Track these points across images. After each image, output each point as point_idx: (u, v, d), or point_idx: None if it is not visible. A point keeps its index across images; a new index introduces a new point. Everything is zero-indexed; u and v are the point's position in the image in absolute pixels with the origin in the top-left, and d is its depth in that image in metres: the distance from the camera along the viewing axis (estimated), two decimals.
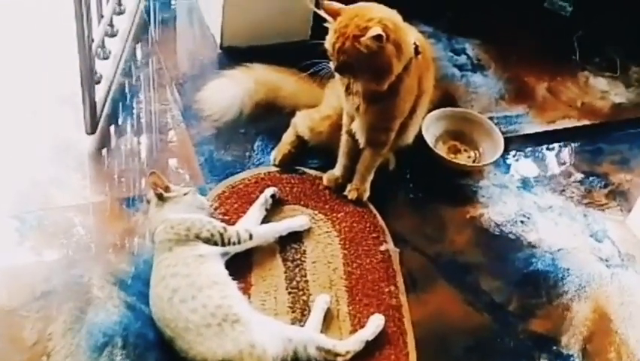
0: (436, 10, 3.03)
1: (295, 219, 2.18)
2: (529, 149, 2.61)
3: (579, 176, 2.54)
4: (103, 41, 2.51)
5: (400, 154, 2.40)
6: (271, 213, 2.20)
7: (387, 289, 2.08)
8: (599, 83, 2.92)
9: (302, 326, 1.94)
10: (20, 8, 2.78)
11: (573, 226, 2.37)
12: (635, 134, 2.73)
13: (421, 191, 2.39)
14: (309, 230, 2.19)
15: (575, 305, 2.14)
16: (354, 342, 1.90)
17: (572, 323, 2.10)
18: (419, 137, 2.40)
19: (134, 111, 2.50)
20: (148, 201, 2.07)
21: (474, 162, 2.50)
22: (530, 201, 2.42)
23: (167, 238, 1.94)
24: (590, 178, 2.54)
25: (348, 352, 1.87)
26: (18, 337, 1.86)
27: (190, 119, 2.47)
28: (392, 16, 1.98)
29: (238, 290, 1.91)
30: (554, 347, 2.05)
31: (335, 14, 1.96)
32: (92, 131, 2.37)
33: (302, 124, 2.36)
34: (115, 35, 2.62)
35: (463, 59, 2.91)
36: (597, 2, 3.20)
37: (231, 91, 2.41)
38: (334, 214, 2.25)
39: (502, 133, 2.52)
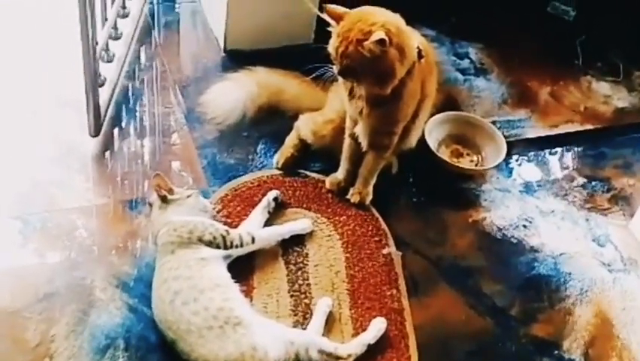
0: (439, 14, 3.03)
1: (298, 223, 2.19)
2: (532, 153, 2.61)
3: (582, 180, 2.54)
4: (107, 44, 2.51)
5: (402, 158, 2.40)
6: (274, 216, 2.20)
7: (389, 293, 2.08)
8: (602, 87, 2.92)
9: (304, 329, 1.94)
10: (24, 11, 2.79)
11: (575, 231, 2.37)
12: (638, 138, 2.73)
13: (423, 195, 2.39)
14: (311, 233, 2.19)
15: (577, 310, 2.14)
16: (355, 345, 1.90)
17: (574, 327, 2.10)
18: (422, 141, 2.40)
19: (138, 114, 2.51)
20: (150, 204, 2.07)
21: (476, 165, 2.50)
22: (533, 206, 2.42)
23: (169, 241, 1.95)
24: (593, 183, 2.54)
25: (349, 355, 1.87)
26: (21, 338, 1.86)
27: (193, 122, 2.47)
28: (395, 20, 1.98)
29: (240, 293, 1.91)
30: (556, 352, 2.04)
31: (338, 18, 1.96)
32: (96, 134, 2.37)
33: (305, 127, 2.36)
34: (119, 38, 2.63)
35: (465, 63, 2.91)
36: (600, 7, 3.20)
37: (235, 94, 2.41)
38: (337, 218, 2.26)
39: (505, 137, 2.52)
